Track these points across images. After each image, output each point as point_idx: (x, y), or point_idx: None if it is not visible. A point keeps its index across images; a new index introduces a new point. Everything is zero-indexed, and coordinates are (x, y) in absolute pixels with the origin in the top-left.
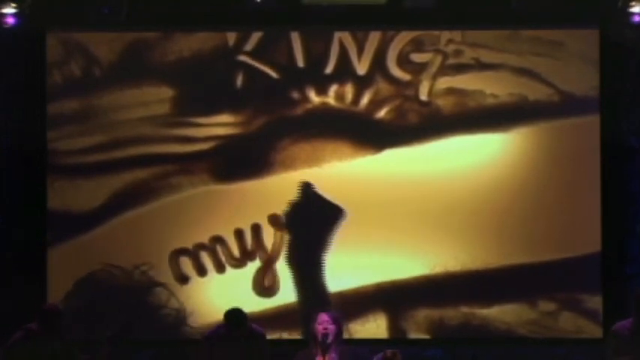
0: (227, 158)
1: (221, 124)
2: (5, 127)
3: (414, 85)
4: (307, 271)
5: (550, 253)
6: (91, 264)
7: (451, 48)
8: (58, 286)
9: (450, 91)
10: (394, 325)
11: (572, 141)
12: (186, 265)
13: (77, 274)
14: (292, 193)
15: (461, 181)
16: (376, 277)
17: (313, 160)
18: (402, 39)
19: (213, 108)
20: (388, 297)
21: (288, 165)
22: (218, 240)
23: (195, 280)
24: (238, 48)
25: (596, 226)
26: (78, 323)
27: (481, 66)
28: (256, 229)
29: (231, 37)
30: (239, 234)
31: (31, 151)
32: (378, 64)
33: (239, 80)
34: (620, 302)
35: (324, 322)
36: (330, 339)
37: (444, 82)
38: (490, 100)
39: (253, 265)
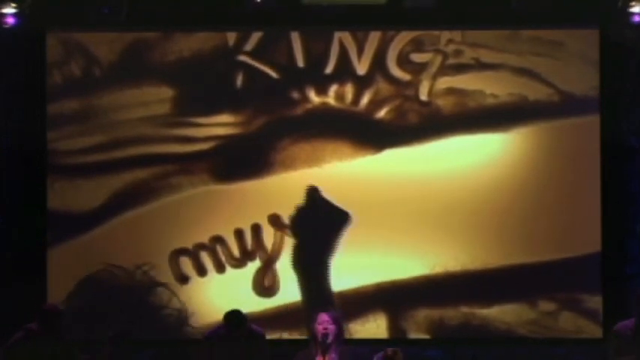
0: (227, 158)
1: (221, 124)
2: (5, 127)
3: (414, 85)
4: (313, 275)
5: (550, 253)
6: (91, 264)
7: (451, 48)
8: (58, 286)
9: (450, 91)
10: (394, 325)
11: (572, 141)
12: (186, 265)
13: (77, 274)
14: (292, 193)
15: (461, 181)
16: (376, 277)
17: (313, 160)
18: (402, 39)
19: (213, 108)
20: (388, 297)
21: (288, 165)
22: (218, 240)
23: (196, 280)
24: (238, 48)
25: (596, 226)
26: (79, 323)
27: (481, 66)
28: (256, 229)
29: (231, 37)
30: (239, 234)
31: (31, 151)
32: (378, 64)
33: (239, 80)
34: (620, 302)
35: (324, 322)
36: (330, 339)
37: (444, 82)
38: (490, 100)
39: (253, 265)
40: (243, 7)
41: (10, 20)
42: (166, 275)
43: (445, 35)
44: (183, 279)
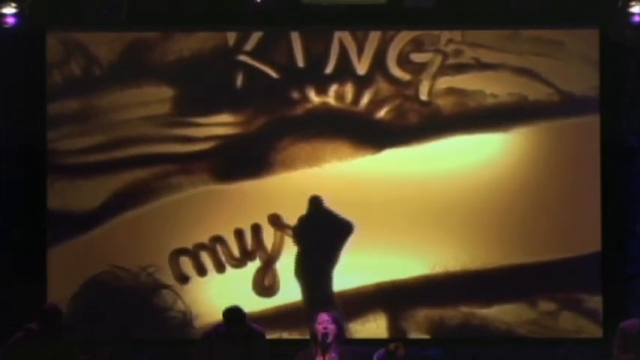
0: (227, 158)
1: (221, 124)
2: (5, 127)
3: (414, 85)
4: (316, 284)
5: (550, 253)
6: (91, 264)
7: (451, 48)
8: (58, 286)
9: (450, 91)
10: (394, 325)
11: (572, 141)
12: (187, 265)
13: (77, 274)
14: (292, 193)
15: (461, 180)
16: (376, 277)
17: (313, 160)
18: (402, 39)
19: (213, 108)
20: (388, 297)
21: (288, 165)
22: (218, 240)
23: (196, 280)
24: (238, 48)
25: (596, 226)
26: (83, 324)
27: (481, 66)
28: (256, 229)
29: (231, 37)
30: (239, 234)
31: (31, 151)
32: (378, 63)
33: (239, 80)
34: (620, 302)
35: (324, 321)
36: (330, 339)
37: (444, 82)
38: (490, 100)
39: (253, 265)
40: (243, 7)
41: (10, 20)
42: (166, 275)
43: (445, 35)
44: (184, 279)
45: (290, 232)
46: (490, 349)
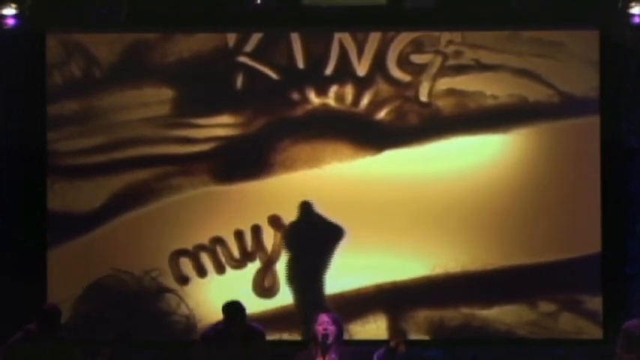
0: (227, 159)
1: (221, 125)
2: (5, 127)
3: (414, 86)
4: (308, 289)
5: (550, 253)
6: (91, 265)
7: (451, 49)
8: (58, 287)
9: (450, 92)
10: (394, 326)
11: (572, 142)
12: (187, 265)
13: (77, 275)
14: (292, 195)
15: (461, 181)
16: (376, 278)
17: (313, 161)
18: (402, 40)
19: (213, 109)
20: (388, 298)
21: (288, 166)
22: (218, 241)
23: (196, 281)
24: (238, 49)
25: (596, 226)
26: (86, 328)
27: (481, 67)
28: (256, 230)
29: (231, 38)
30: (239, 235)
31: (31, 152)
32: (378, 65)
33: (239, 81)
34: (621, 303)
35: (324, 322)
36: (330, 340)
37: (444, 83)
38: (490, 101)
39: (253, 266)
40: (243, 8)
41: (11, 21)
42: (170, 279)
43: (445, 36)
44: (184, 280)
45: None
46: (490, 350)
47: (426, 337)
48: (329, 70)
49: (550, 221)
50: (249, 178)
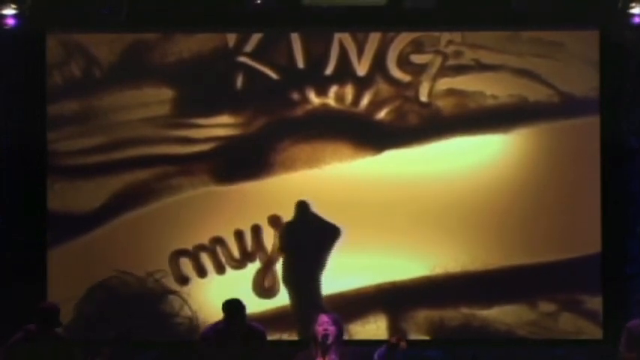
0: (227, 159)
1: (221, 125)
2: (5, 127)
3: (414, 86)
4: (304, 289)
5: (550, 253)
6: (91, 265)
7: (451, 49)
8: (58, 287)
9: (450, 92)
10: (394, 326)
11: (572, 142)
12: (187, 266)
13: (77, 275)
14: (292, 195)
15: (461, 182)
16: (376, 278)
17: (313, 161)
18: (402, 40)
19: (213, 109)
20: (388, 298)
21: (288, 166)
22: (218, 241)
23: (196, 281)
24: (238, 49)
25: (596, 226)
26: (88, 329)
27: (481, 67)
28: (256, 230)
29: (231, 38)
30: (239, 235)
31: (31, 152)
32: (378, 65)
33: (239, 81)
34: (621, 303)
35: (324, 323)
36: (330, 340)
37: (444, 83)
38: (490, 101)
39: (253, 267)
40: (243, 8)
41: (11, 21)
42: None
43: (445, 36)
44: (184, 280)
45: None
46: (490, 350)
47: (426, 337)
48: (329, 70)
49: (550, 221)
50: (249, 178)
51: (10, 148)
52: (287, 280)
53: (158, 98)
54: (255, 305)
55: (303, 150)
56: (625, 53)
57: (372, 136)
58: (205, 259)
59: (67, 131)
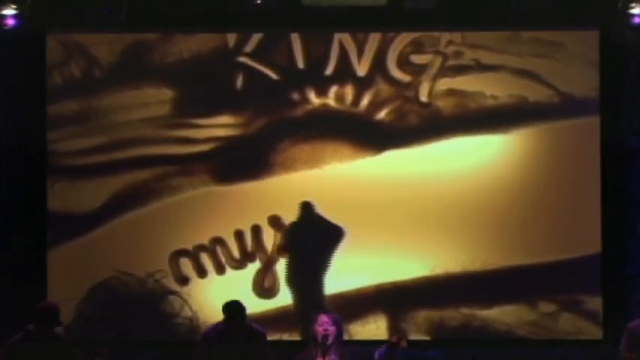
0: (227, 159)
1: (221, 126)
2: (5, 128)
3: (414, 86)
4: (308, 290)
5: (550, 254)
6: (91, 265)
7: (451, 49)
8: (58, 287)
9: (450, 92)
10: (394, 327)
11: (572, 142)
12: (187, 266)
13: (77, 275)
14: (292, 195)
15: (461, 182)
16: (376, 279)
17: (313, 162)
18: (402, 40)
19: (213, 109)
20: (388, 298)
21: (289, 166)
22: (218, 241)
23: (196, 282)
24: (238, 49)
25: (596, 226)
26: (89, 330)
27: (481, 67)
28: (256, 230)
29: (231, 39)
30: (239, 235)
31: (31, 152)
32: (378, 65)
33: (239, 81)
34: (621, 303)
35: (324, 323)
36: (330, 340)
37: (444, 84)
38: (490, 102)
39: (253, 267)
40: (243, 8)
41: (11, 21)
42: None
43: (445, 36)
44: (183, 280)
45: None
46: (490, 350)
47: (426, 337)
48: (329, 70)
49: (550, 221)
50: (249, 178)
51: (10, 148)
52: (290, 281)
53: (158, 98)
54: (255, 305)
55: (303, 150)
56: (625, 53)
57: (372, 137)
58: (205, 260)
59: (67, 131)
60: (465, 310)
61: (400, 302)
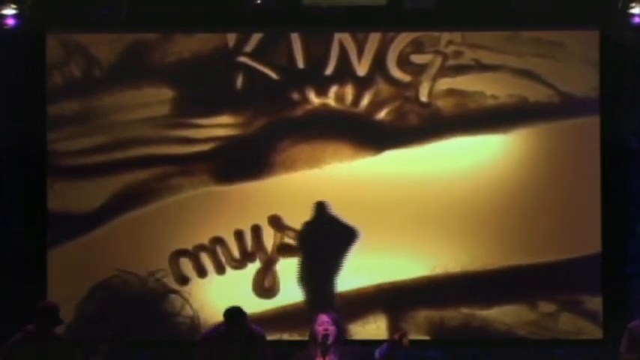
0: (227, 159)
1: (221, 126)
2: (5, 127)
3: (414, 86)
4: (319, 290)
5: (550, 254)
6: (91, 265)
7: (451, 49)
8: (58, 287)
9: (450, 92)
10: (394, 326)
11: (572, 142)
12: (187, 266)
13: (77, 275)
14: (292, 195)
15: (461, 182)
16: (376, 279)
17: (313, 162)
18: (402, 40)
19: (213, 109)
20: (388, 298)
21: (289, 166)
22: (218, 241)
23: (196, 282)
24: (238, 49)
25: (596, 226)
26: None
27: (481, 67)
28: (256, 230)
29: (231, 39)
30: (239, 235)
31: (31, 152)
32: (378, 65)
33: (239, 81)
34: (621, 303)
35: (324, 323)
36: (330, 340)
37: (444, 84)
38: (490, 102)
39: (253, 267)
40: (243, 8)
41: (11, 21)
42: (167, 276)
43: (445, 36)
44: (184, 280)
45: (291, 233)
46: (490, 350)
47: (426, 337)
48: (329, 71)
49: (550, 221)
50: (249, 179)
51: (10, 148)
52: (302, 281)
53: (158, 98)
54: (255, 305)
55: (303, 150)
56: (625, 53)
57: (372, 136)
58: (205, 259)
59: (67, 131)
60: (465, 310)
61: (400, 302)
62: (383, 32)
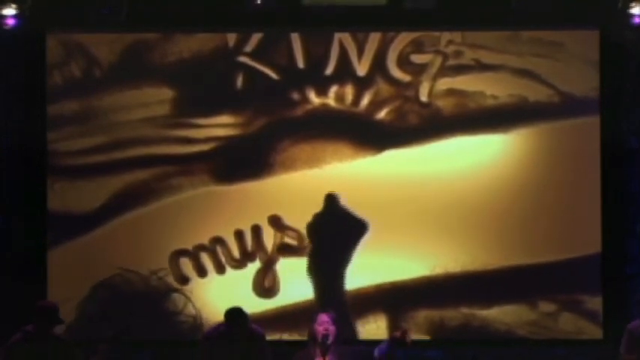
0: (227, 159)
1: (221, 125)
2: (5, 127)
3: (414, 86)
4: (328, 283)
5: (550, 253)
6: (91, 265)
7: (451, 49)
8: (58, 287)
9: (450, 92)
10: (394, 326)
11: (572, 142)
12: (187, 266)
13: (78, 275)
14: (293, 195)
15: (461, 181)
16: (376, 278)
17: (313, 161)
18: (402, 40)
19: (213, 109)
20: (388, 298)
21: (289, 166)
22: (218, 241)
23: (196, 281)
24: (238, 49)
25: (596, 226)
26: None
27: (481, 67)
28: (256, 230)
29: (232, 38)
30: (239, 235)
31: (31, 152)
32: (378, 65)
33: (239, 81)
34: (621, 303)
35: (324, 322)
36: (330, 340)
37: (444, 83)
38: (490, 101)
39: (253, 266)
40: (243, 8)
41: (11, 21)
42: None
43: (445, 36)
44: (184, 280)
45: (291, 233)
46: (490, 350)
47: (426, 337)
48: (329, 70)
49: (550, 221)
50: (249, 178)
51: (10, 148)
52: (312, 275)
53: (158, 98)
54: (255, 305)
55: (303, 150)
56: (625, 53)
57: (372, 136)
58: (205, 259)
59: (67, 131)
60: (465, 310)
61: (400, 302)
62: (383, 32)
